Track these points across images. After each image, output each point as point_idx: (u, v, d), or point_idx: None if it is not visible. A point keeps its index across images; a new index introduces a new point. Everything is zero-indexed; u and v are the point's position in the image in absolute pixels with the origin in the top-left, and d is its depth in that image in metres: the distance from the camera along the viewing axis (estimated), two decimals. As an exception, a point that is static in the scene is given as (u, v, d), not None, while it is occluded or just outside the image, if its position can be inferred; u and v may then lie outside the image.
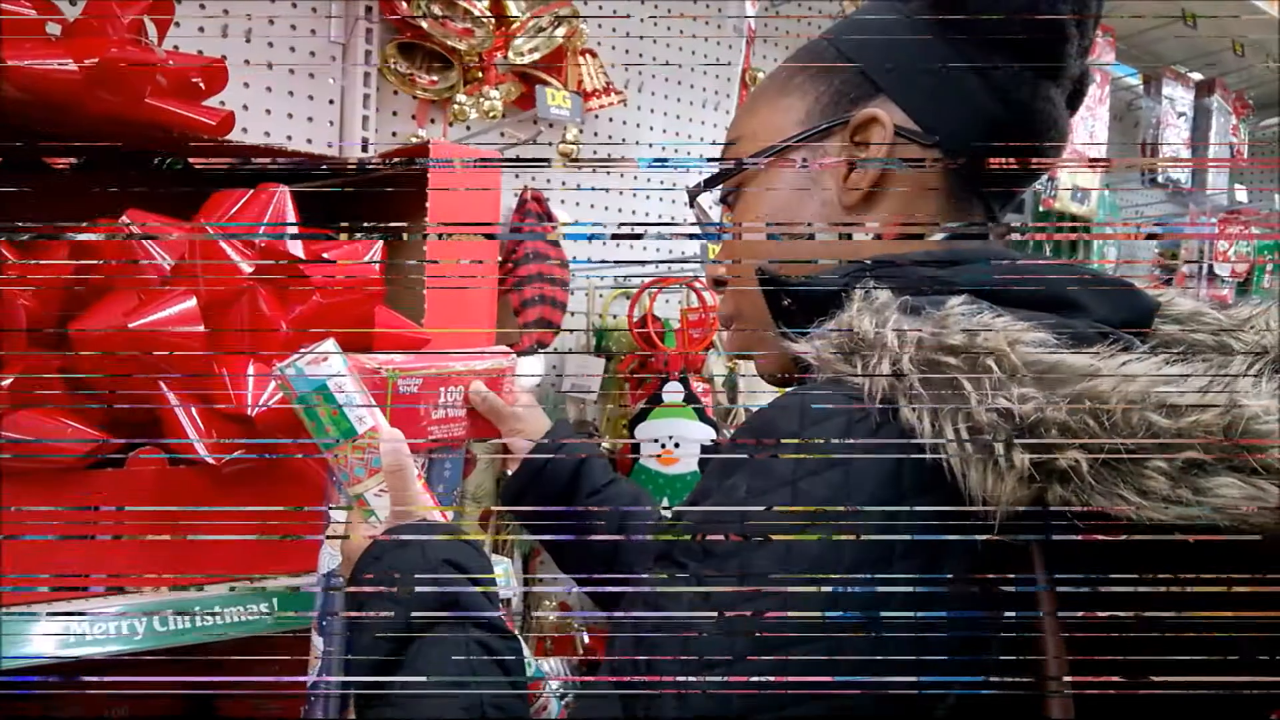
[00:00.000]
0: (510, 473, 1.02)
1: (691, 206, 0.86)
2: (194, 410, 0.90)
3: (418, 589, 0.73)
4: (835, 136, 0.72)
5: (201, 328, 0.88)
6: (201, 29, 1.45)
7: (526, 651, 0.89)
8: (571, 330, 1.99)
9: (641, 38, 2.09)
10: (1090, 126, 2.79)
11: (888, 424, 0.54)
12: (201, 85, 1.13)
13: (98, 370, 0.89)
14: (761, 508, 0.54)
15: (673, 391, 1.75)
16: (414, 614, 0.72)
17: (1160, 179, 3.25)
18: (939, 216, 0.71)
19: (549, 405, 1.82)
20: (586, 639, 1.80)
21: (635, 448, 1.77)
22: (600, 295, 2.01)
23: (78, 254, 0.94)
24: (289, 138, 1.54)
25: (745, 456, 0.57)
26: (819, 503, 0.53)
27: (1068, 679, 0.53)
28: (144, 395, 0.88)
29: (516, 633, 0.83)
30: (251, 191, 1.02)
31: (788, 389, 0.61)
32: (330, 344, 0.83)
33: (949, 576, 0.53)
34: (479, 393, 0.98)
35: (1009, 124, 0.70)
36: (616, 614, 0.60)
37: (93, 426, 0.87)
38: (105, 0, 1.05)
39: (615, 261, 2.06)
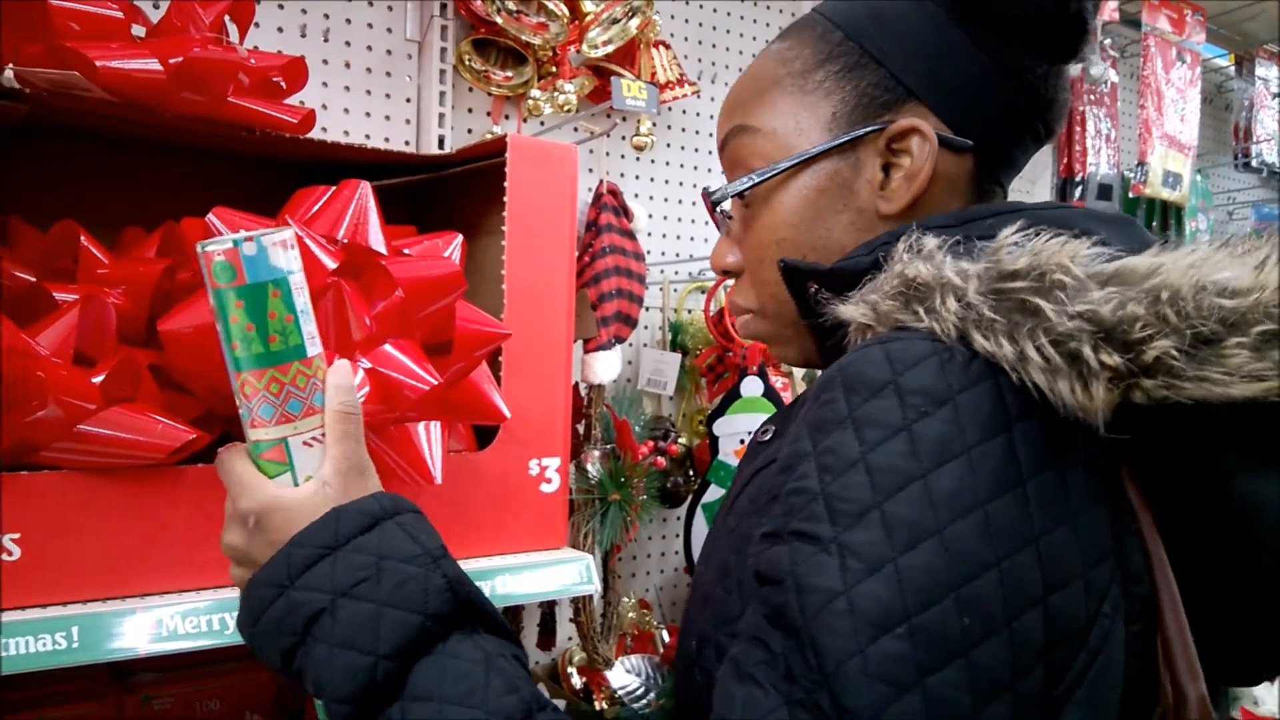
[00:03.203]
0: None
1: (713, 211, 0.81)
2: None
3: (412, 584, 0.60)
4: (867, 142, 0.70)
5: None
6: (280, 29, 1.46)
7: None
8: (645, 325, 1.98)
9: (714, 28, 2.07)
10: (1180, 110, 2.69)
11: (976, 357, 0.54)
12: (282, 84, 1.14)
13: (186, 366, 0.90)
14: (883, 459, 0.53)
15: (751, 386, 1.73)
16: (430, 614, 0.60)
17: (1254, 163, 3.13)
18: (967, 206, 0.71)
19: (626, 400, 1.81)
20: (667, 636, 1.79)
21: (714, 443, 1.75)
22: (675, 290, 1.99)
23: (167, 252, 0.95)
24: (367, 136, 1.55)
25: (841, 414, 0.55)
26: (937, 441, 0.52)
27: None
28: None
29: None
30: (333, 188, 1.02)
31: (863, 343, 0.59)
32: (293, 232, 0.64)
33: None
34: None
35: (1031, 114, 0.72)
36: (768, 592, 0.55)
37: (182, 422, 0.87)
38: (187, 1, 1.06)
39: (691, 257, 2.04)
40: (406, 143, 1.59)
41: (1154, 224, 2.84)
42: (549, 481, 1.17)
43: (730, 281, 1.81)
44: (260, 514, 0.63)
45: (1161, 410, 0.51)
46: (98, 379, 0.85)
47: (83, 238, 0.98)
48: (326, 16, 1.50)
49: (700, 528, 1.73)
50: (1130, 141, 2.92)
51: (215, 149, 1.20)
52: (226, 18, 1.12)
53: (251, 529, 0.63)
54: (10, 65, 0.99)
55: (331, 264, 0.92)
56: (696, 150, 2.06)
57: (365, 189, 1.01)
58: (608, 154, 1.91)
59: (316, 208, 1.00)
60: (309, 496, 0.63)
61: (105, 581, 0.87)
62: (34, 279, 0.97)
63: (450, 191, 1.32)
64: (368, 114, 1.55)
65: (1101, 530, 0.54)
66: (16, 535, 0.82)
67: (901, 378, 0.54)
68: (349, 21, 1.53)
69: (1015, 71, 0.69)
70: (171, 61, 0.96)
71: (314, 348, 0.63)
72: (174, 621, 0.86)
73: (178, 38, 1.03)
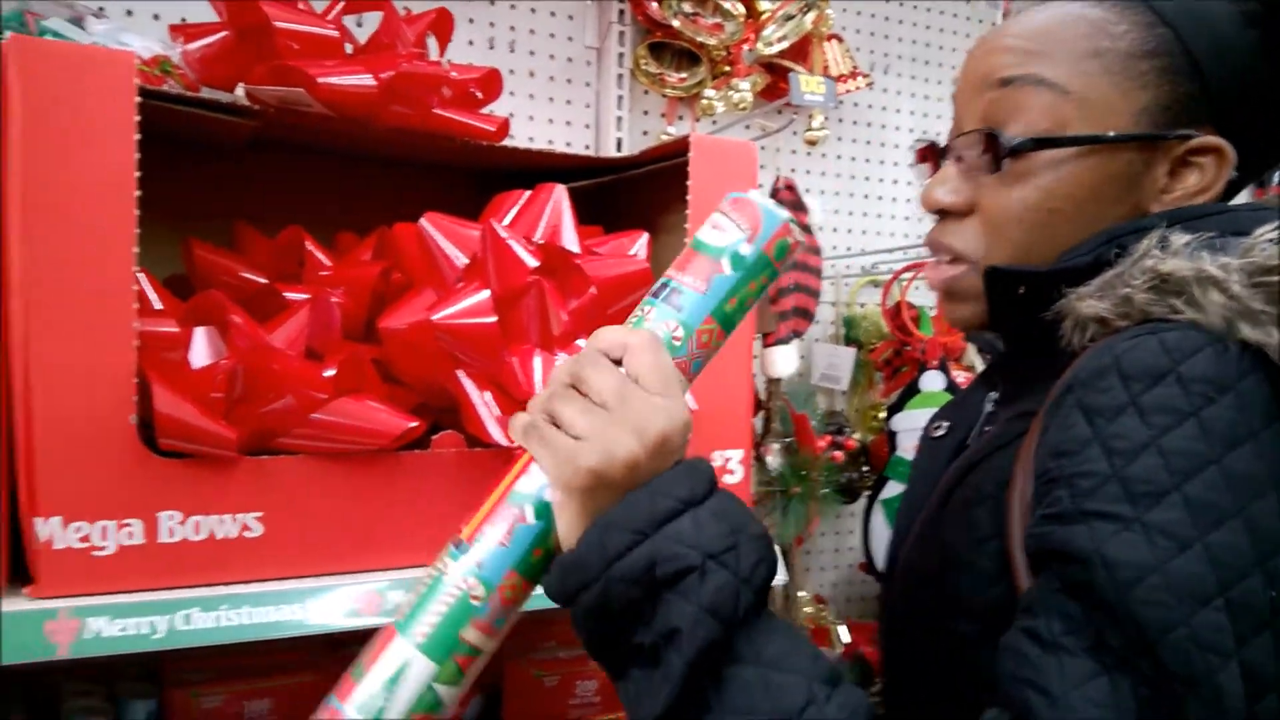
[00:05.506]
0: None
1: (962, 138, 0.74)
2: (488, 396, 0.96)
3: (762, 567, 0.59)
4: (1168, 145, 0.71)
5: (494, 319, 0.94)
6: (471, 41, 1.54)
7: None
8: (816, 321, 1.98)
9: (886, 19, 2.05)
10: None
11: (1246, 347, 0.57)
12: (479, 95, 1.20)
13: (403, 361, 0.96)
14: (1176, 443, 0.55)
15: (931, 380, 1.70)
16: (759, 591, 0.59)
17: None
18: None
19: (801, 395, 1.81)
20: (844, 634, 1.78)
21: (892, 439, 1.73)
22: (847, 284, 1.99)
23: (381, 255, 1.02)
24: (550, 141, 1.61)
25: (1122, 401, 0.58)
26: (1226, 426, 0.55)
27: None
28: (444, 383, 0.94)
29: None
30: (529, 192, 1.08)
31: (1120, 334, 0.61)
32: None
33: None
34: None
35: None
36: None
37: (402, 412, 0.94)
38: (395, 19, 1.13)
39: (864, 251, 2.02)
40: (586, 146, 1.65)
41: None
42: (732, 473, 1.19)
43: (906, 275, 1.79)
44: (686, 433, 0.61)
45: None
46: (329, 373, 0.92)
47: (308, 242, 1.06)
48: (513, 29, 1.57)
49: (879, 523, 1.72)
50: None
51: (416, 158, 1.27)
52: (428, 33, 1.19)
53: (673, 449, 0.60)
54: (241, 84, 1.09)
55: (532, 263, 0.97)
56: (869, 143, 2.05)
57: (560, 192, 1.06)
58: (778, 150, 1.92)
59: (515, 210, 1.05)
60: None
61: (334, 557, 0.94)
62: (265, 280, 1.06)
63: (629, 191, 1.36)
64: (550, 120, 1.61)
65: None
66: (259, 514, 0.90)
67: (1182, 366, 0.57)
68: (533, 32, 1.59)
69: None
70: (382, 76, 1.03)
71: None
72: (395, 595, 0.93)
73: (387, 54, 1.10)
